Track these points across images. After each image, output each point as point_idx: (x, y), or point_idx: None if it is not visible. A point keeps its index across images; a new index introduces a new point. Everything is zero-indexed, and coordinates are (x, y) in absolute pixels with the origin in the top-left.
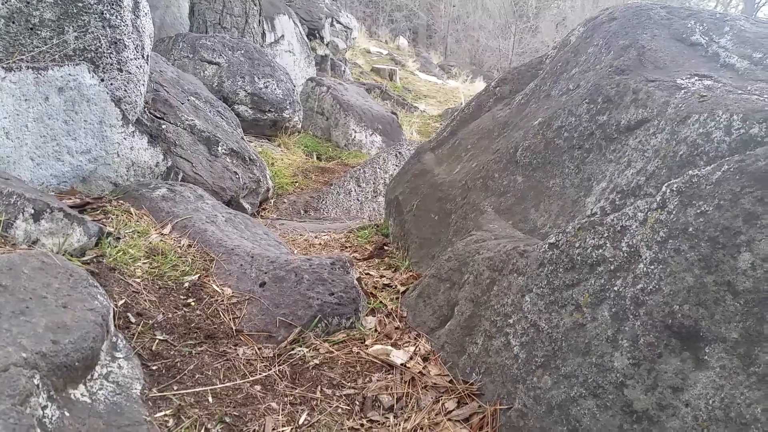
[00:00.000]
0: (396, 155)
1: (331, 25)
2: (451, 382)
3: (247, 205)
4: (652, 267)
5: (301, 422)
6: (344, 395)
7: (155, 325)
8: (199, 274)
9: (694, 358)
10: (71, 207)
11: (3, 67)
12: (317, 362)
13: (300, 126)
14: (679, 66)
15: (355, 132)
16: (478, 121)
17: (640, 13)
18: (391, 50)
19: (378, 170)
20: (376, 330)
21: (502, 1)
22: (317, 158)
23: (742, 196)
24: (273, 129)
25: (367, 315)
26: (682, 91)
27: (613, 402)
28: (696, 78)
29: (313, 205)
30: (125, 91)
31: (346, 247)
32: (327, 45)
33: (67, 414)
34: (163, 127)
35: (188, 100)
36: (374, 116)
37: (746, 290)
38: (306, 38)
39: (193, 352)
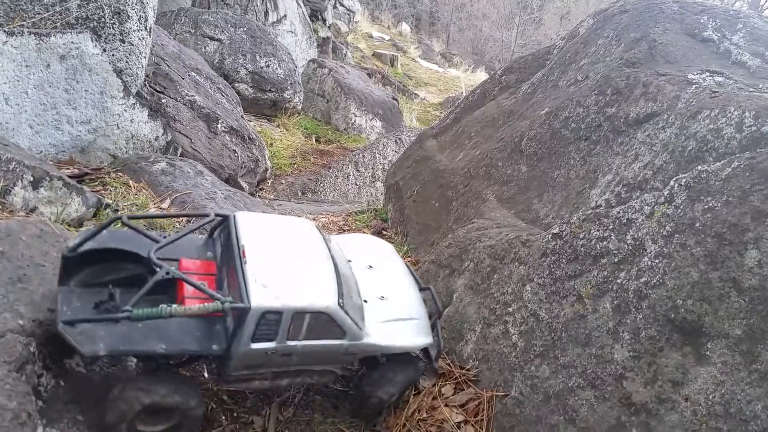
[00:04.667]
0: (396, 141)
1: (334, 7)
2: (448, 366)
3: (244, 185)
4: (657, 261)
5: (297, 401)
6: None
7: None
8: None
9: (696, 353)
10: (70, 177)
11: (5, 31)
12: None
13: (300, 107)
14: (691, 61)
15: (356, 116)
16: (482, 109)
17: (652, 6)
18: (393, 36)
19: (377, 155)
20: None
21: None
22: (316, 140)
23: (752, 194)
24: (273, 109)
25: None
26: (693, 86)
27: (611, 394)
28: (707, 74)
29: (310, 188)
30: (127, 62)
31: (345, 230)
32: (329, 27)
33: (62, 383)
34: (163, 101)
35: (189, 75)
36: (375, 101)
37: (752, 287)
38: (308, 19)
39: None
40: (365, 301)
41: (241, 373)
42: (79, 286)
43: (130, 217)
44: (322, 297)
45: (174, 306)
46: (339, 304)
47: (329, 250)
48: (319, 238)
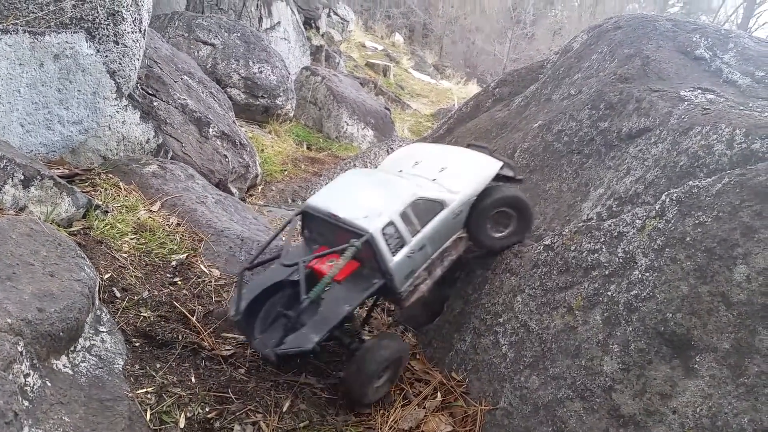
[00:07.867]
0: (387, 151)
1: (328, 15)
2: (436, 377)
3: (234, 190)
4: (648, 274)
5: (284, 409)
6: (329, 384)
7: (140, 301)
8: (187, 254)
9: (684, 366)
10: (60, 177)
11: None
12: None
13: (292, 114)
14: (683, 78)
15: (347, 124)
16: (475, 121)
17: (645, 23)
18: (386, 46)
19: (368, 164)
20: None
21: (501, 6)
22: (307, 148)
23: (741, 210)
24: (265, 115)
25: None
26: (686, 102)
27: (600, 405)
28: (699, 91)
29: (301, 195)
30: (120, 63)
31: None
32: (323, 35)
33: (48, 384)
34: (155, 104)
35: (182, 78)
36: (367, 110)
37: (740, 302)
38: (302, 27)
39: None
40: (434, 180)
41: (407, 284)
42: (261, 333)
43: (250, 266)
44: (409, 192)
45: (328, 273)
46: (423, 189)
47: (391, 174)
48: (375, 171)
